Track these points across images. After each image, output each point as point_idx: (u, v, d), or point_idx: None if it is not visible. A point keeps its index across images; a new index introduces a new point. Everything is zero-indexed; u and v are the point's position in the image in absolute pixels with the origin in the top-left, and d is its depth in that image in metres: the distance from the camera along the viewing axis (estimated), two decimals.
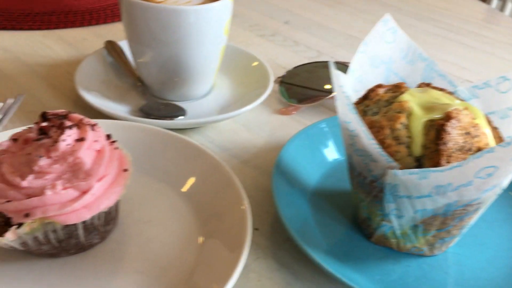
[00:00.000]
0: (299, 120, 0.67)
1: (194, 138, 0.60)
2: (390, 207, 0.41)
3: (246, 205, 0.44)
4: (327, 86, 0.73)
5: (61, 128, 0.40)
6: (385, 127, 0.39)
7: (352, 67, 0.45)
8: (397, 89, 0.42)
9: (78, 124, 0.42)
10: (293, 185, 0.50)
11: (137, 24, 0.59)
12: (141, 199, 0.49)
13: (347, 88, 0.40)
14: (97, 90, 0.65)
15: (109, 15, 0.93)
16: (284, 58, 0.84)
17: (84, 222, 0.40)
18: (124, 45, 0.74)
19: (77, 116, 0.43)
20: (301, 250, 0.44)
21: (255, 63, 0.73)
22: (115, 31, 0.89)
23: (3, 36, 0.84)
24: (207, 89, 0.68)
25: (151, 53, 0.61)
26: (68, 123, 0.41)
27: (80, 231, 0.41)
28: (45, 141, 0.40)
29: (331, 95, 0.70)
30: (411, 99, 0.40)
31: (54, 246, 0.41)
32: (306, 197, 0.50)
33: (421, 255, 0.45)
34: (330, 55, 0.87)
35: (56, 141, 0.39)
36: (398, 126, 0.39)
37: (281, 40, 0.92)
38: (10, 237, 0.38)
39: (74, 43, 0.83)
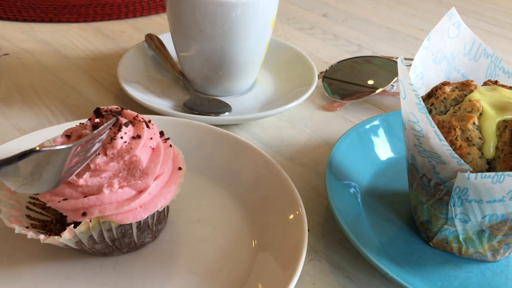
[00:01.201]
0: (344, 117, 0.66)
1: (238, 135, 0.58)
2: (456, 211, 0.39)
3: (302, 211, 0.43)
4: (370, 82, 0.71)
5: (117, 125, 0.40)
6: (456, 128, 0.37)
7: (414, 63, 0.43)
8: (465, 87, 0.40)
9: (133, 121, 0.41)
10: (346, 185, 0.49)
11: (183, 17, 0.58)
12: (190, 197, 0.48)
13: (416, 86, 0.38)
14: (138, 84, 0.64)
15: (146, 8, 0.92)
16: (325, 52, 0.82)
17: (138, 222, 0.40)
18: (164, 38, 0.73)
19: (131, 112, 0.42)
20: (358, 252, 0.43)
21: (299, 58, 0.71)
22: (152, 24, 0.88)
23: (42, 28, 0.84)
24: (249, 84, 0.67)
25: (196, 47, 0.60)
26: (123, 119, 0.40)
27: (134, 230, 0.40)
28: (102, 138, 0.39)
29: (377, 92, 0.68)
30: (482, 98, 0.38)
31: (108, 245, 0.40)
32: (359, 198, 0.49)
33: (482, 261, 0.43)
34: (371, 49, 0.85)
35: (113, 138, 0.38)
36: (470, 126, 0.37)
37: (321, 33, 0.90)
38: (67, 236, 0.37)
39: (112, 36, 0.82)
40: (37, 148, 0.31)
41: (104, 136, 0.38)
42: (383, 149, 0.55)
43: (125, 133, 0.39)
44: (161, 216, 0.43)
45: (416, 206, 0.44)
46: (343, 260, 0.45)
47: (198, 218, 0.46)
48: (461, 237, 0.41)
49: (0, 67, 0.71)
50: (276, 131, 0.62)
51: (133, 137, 0.39)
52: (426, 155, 0.38)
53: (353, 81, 0.72)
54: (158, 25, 0.88)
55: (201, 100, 0.62)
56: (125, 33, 0.84)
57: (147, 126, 0.41)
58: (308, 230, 0.47)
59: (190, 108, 0.60)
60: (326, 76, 0.72)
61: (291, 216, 0.43)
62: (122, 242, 0.41)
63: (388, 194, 0.50)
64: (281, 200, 0.45)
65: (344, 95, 0.69)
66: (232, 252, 0.43)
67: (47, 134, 0.49)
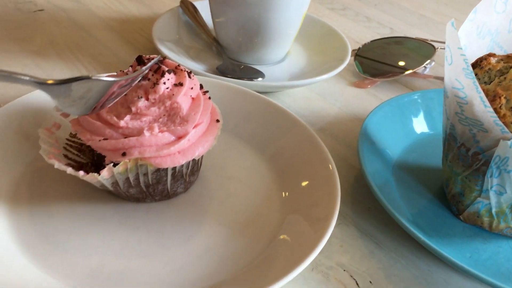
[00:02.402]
0: (374, 94, 0.65)
1: None
2: (492, 182, 0.39)
3: (334, 171, 0.43)
4: (402, 63, 0.70)
5: (159, 72, 0.40)
6: (501, 96, 0.37)
7: (459, 34, 0.42)
8: (510, 59, 0.40)
9: (175, 70, 0.41)
10: (377, 157, 0.49)
11: None
12: (222, 155, 0.48)
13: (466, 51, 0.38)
14: (172, 45, 0.64)
15: None
16: (357, 33, 0.82)
17: (173, 169, 0.40)
18: (198, 5, 0.73)
19: (172, 62, 0.42)
20: (387, 220, 0.43)
21: (332, 34, 0.71)
22: None
23: None
24: (282, 55, 0.67)
25: (233, 13, 0.60)
26: (165, 67, 0.40)
27: (169, 178, 0.40)
28: (144, 83, 0.39)
29: (409, 72, 0.67)
30: None
31: (142, 190, 0.41)
32: (390, 169, 0.49)
33: None
34: (403, 33, 0.84)
35: (155, 84, 0.39)
36: None
37: (353, 15, 0.89)
38: (105, 175, 0.37)
39: (146, 1, 0.83)
40: (90, 76, 0.33)
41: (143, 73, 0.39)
42: (415, 125, 0.54)
43: (168, 79, 0.39)
44: (195, 168, 0.43)
45: (449, 178, 0.44)
46: (371, 227, 0.45)
47: (229, 175, 0.47)
48: (493, 210, 0.41)
49: (35, 22, 0.71)
50: (307, 102, 0.61)
51: (175, 84, 0.39)
52: (468, 123, 0.38)
53: (385, 61, 0.71)
54: None
55: (234, 66, 0.62)
56: None
57: (189, 77, 0.41)
58: None
59: (223, 72, 0.60)
60: (358, 54, 0.71)
61: (323, 177, 0.43)
62: (156, 189, 0.41)
63: (419, 168, 0.50)
64: (313, 163, 0.45)
65: (375, 74, 0.69)
66: (261, 210, 0.43)
67: None
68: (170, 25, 0.69)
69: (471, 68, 0.35)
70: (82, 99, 0.33)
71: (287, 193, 0.44)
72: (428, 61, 0.69)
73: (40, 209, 0.40)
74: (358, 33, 0.82)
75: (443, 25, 0.91)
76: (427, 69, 0.70)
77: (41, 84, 0.30)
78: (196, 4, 0.73)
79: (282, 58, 0.67)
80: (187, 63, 0.61)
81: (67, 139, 0.43)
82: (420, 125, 0.55)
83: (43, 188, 0.42)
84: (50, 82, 0.30)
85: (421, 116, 0.55)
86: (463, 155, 0.40)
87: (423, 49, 0.71)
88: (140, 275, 0.36)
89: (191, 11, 0.72)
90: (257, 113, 0.51)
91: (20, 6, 0.75)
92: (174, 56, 0.60)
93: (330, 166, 0.43)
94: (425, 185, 0.48)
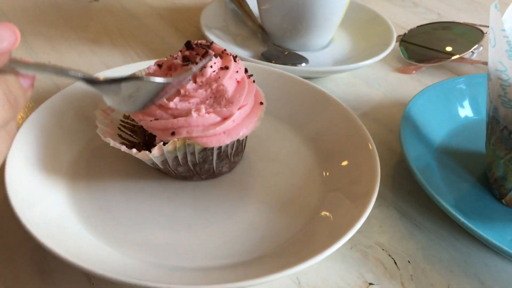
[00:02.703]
0: (419, 80, 0.65)
1: None
2: None
3: (373, 146, 0.44)
4: (448, 48, 0.70)
5: (207, 56, 0.42)
6: None
7: (504, 17, 0.42)
8: None
9: (221, 54, 0.43)
10: (419, 140, 0.49)
11: None
12: (266, 137, 0.50)
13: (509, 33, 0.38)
14: (219, 33, 0.66)
15: None
16: (403, 19, 0.81)
17: (219, 149, 0.42)
18: None
19: (219, 47, 0.44)
20: (427, 203, 0.44)
21: (377, 19, 0.71)
22: None
23: None
24: (326, 41, 0.68)
25: (278, 0, 0.61)
26: (212, 52, 0.42)
27: (214, 157, 0.43)
28: (192, 66, 0.41)
29: (454, 58, 0.67)
30: None
31: (189, 168, 0.43)
32: (432, 153, 0.49)
33: None
34: (451, 19, 0.82)
35: (203, 67, 0.41)
36: None
37: (399, 0, 0.88)
38: (156, 153, 0.40)
39: None
40: (141, 76, 0.34)
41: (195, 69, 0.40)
42: (460, 109, 0.54)
43: (215, 63, 0.41)
44: (239, 149, 0.45)
45: (492, 162, 0.44)
46: (411, 209, 0.45)
47: (272, 156, 0.48)
48: None
49: (90, 12, 0.75)
50: (350, 88, 0.62)
51: (221, 68, 0.41)
52: (511, 106, 0.38)
53: (431, 46, 0.71)
54: None
55: (279, 52, 0.63)
56: None
57: (234, 61, 0.43)
58: None
59: (267, 58, 0.61)
60: (404, 40, 0.71)
61: (363, 157, 0.44)
62: (202, 168, 0.43)
63: (462, 153, 0.50)
64: (353, 143, 0.46)
65: (420, 59, 0.68)
66: (303, 189, 0.45)
67: (134, 68, 0.52)
68: (217, 13, 0.71)
69: None
70: (131, 97, 0.34)
71: (328, 173, 0.46)
72: (476, 46, 0.68)
73: (97, 184, 0.43)
74: (404, 19, 0.81)
75: None
76: (475, 54, 0.69)
77: (91, 81, 0.31)
78: None
79: (326, 44, 0.68)
80: (234, 50, 0.63)
81: (121, 120, 0.46)
82: (464, 109, 0.54)
83: (100, 165, 0.45)
84: (100, 79, 0.31)
85: (465, 100, 0.55)
86: (506, 138, 0.40)
87: (471, 34, 0.69)
88: (186, 248, 0.39)
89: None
90: (299, 96, 0.52)
91: None
92: (221, 43, 0.62)
93: (369, 145, 0.44)
94: (468, 169, 0.48)
